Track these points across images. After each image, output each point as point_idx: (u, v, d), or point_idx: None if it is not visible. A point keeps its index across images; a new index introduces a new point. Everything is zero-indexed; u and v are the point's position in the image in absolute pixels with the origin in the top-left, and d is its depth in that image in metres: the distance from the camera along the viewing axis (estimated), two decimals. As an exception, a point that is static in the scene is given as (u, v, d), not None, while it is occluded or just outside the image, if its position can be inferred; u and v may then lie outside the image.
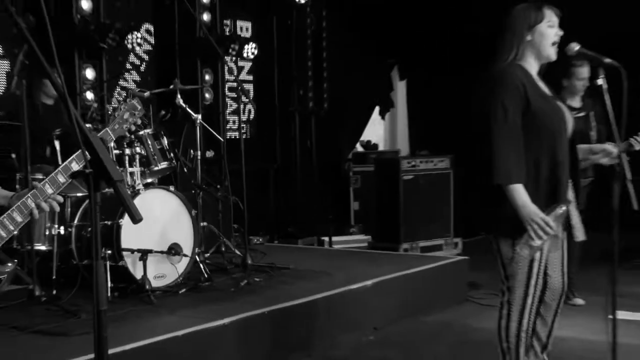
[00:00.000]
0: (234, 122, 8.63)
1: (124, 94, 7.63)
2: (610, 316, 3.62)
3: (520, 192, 3.35)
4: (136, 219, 2.29)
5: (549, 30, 3.53)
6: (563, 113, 3.58)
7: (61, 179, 2.63)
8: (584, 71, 5.44)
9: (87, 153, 2.15)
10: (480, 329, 5.14)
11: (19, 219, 2.51)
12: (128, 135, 5.14)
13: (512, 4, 3.61)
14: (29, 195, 2.54)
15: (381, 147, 10.51)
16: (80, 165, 2.60)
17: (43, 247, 4.86)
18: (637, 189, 3.59)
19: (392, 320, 5.40)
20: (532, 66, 3.57)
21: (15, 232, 2.56)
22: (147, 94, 5.80)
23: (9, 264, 2.70)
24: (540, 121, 3.45)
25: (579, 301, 5.74)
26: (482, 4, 5.16)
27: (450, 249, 8.05)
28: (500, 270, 3.60)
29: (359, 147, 10.06)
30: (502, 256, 3.53)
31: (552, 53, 3.56)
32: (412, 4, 9.39)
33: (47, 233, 4.94)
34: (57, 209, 2.66)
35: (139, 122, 3.27)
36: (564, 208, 3.49)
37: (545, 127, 3.47)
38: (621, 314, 4.04)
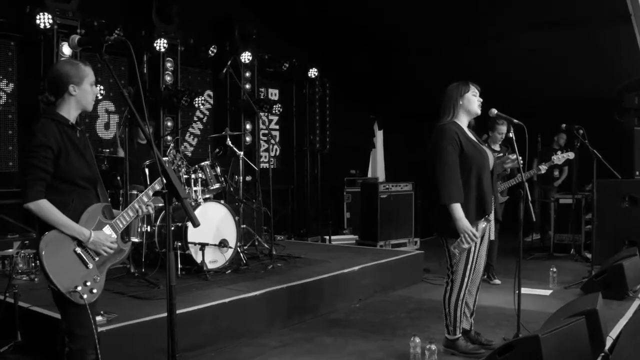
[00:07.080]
0: (265, 157, 8.69)
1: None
2: (517, 291, 3.68)
3: (458, 210, 3.37)
4: (195, 224, 2.34)
5: (473, 97, 3.60)
6: (486, 153, 3.59)
7: (150, 193, 2.68)
8: (503, 129, 5.45)
9: (164, 179, 2.24)
10: (431, 300, 5.15)
11: (131, 213, 2.56)
12: (198, 166, 5.15)
13: (449, 82, 3.67)
14: (135, 202, 2.60)
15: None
16: (159, 187, 2.66)
17: (136, 240, 4.80)
18: (534, 207, 3.63)
19: (371, 294, 5.38)
20: (463, 122, 3.60)
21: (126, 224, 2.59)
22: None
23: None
24: (470, 160, 3.47)
25: (497, 281, 5.72)
26: (432, 84, 5.24)
27: (411, 245, 7.99)
28: (447, 260, 3.61)
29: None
30: (448, 250, 3.55)
31: (477, 110, 3.61)
32: (388, 81, 9.48)
33: (139, 230, 4.95)
34: (152, 212, 2.73)
35: None
36: (485, 223, 3.54)
37: (474, 164, 3.48)
38: (524, 290, 4.10)
